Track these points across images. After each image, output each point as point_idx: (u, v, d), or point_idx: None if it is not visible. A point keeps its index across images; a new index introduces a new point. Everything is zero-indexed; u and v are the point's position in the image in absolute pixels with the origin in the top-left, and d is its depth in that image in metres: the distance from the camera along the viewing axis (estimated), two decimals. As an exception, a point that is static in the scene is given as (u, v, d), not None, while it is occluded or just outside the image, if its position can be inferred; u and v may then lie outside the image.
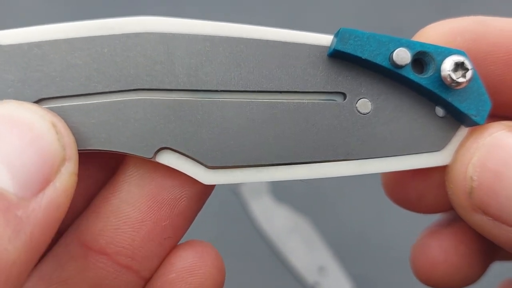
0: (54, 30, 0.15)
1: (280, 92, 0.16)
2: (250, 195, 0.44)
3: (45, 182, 0.13)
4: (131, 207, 0.16)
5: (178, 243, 0.17)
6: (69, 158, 0.13)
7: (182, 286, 0.16)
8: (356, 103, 0.16)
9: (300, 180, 0.17)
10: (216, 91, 0.16)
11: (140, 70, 0.15)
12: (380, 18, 0.47)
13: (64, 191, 0.13)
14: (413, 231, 0.43)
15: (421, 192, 0.19)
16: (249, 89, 0.16)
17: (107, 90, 0.15)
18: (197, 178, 0.15)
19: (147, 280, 0.17)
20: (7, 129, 0.12)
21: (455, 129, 0.17)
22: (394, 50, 0.16)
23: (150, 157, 0.15)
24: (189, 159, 0.15)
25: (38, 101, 0.15)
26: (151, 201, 0.16)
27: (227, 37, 0.16)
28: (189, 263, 0.16)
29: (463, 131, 0.17)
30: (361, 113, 0.16)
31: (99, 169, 0.17)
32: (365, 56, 0.16)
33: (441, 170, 0.17)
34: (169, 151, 0.15)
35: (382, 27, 0.47)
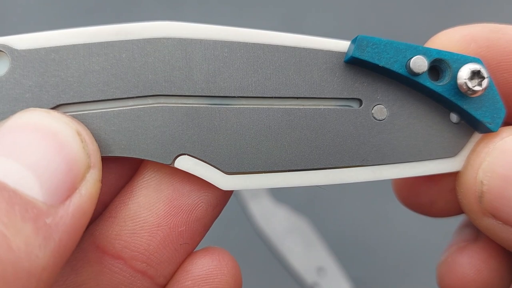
0: (71, 35, 0.15)
1: (297, 98, 0.16)
2: (249, 196, 0.44)
3: (72, 189, 0.13)
4: (148, 212, 0.16)
5: (195, 250, 0.17)
6: (93, 166, 0.14)
7: None
8: (372, 109, 0.17)
9: (318, 186, 0.17)
10: (234, 97, 0.16)
11: (158, 76, 0.15)
12: (386, 21, 0.47)
13: (90, 198, 0.13)
14: (412, 232, 0.44)
15: (433, 197, 0.19)
16: (266, 95, 0.16)
17: (125, 96, 0.15)
18: (214, 184, 0.16)
19: (162, 287, 0.17)
20: (34, 138, 0.13)
21: (469, 135, 0.17)
22: (411, 58, 0.16)
23: (169, 163, 0.15)
24: (207, 164, 0.15)
25: (56, 107, 0.15)
26: (168, 206, 0.16)
27: (245, 42, 0.16)
28: (205, 271, 0.16)
29: (477, 137, 0.17)
30: (376, 119, 0.17)
31: (116, 173, 0.17)
32: (382, 63, 0.16)
33: (453, 175, 0.17)
34: (187, 157, 0.15)
35: (385, 30, 0.47)
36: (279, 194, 0.44)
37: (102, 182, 0.17)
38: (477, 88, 0.16)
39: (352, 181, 0.16)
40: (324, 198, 0.44)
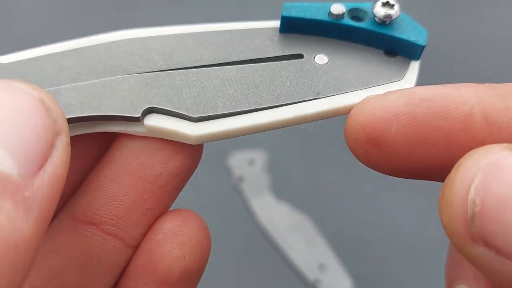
0: (48, 49, 0.18)
1: (246, 61, 0.18)
2: (251, 193, 0.45)
3: (44, 158, 0.13)
4: (114, 183, 0.17)
5: (168, 211, 0.18)
6: (61, 131, 0.14)
7: (169, 245, 0.17)
8: (314, 58, 0.18)
9: (306, 128, 0.18)
10: (190, 67, 0.18)
11: (122, 62, 0.18)
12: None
13: (62, 163, 0.13)
14: (413, 229, 0.43)
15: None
16: (218, 62, 0.18)
17: (95, 79, 0.17)
18: (184, 131, 0.17)
19: (134, 247, 0.18)
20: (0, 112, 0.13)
21: (407, 64, 0.18)
22: (330, 7, 0.18)
23: (138, 115, 0.17)
24: (174, 118, 0.17)
25: None
26: (133, 178, 0.17)
27: (192, 32, 0.19)
28: (173, 225, 0.18)
29: (415, 63, 0.18)
30: (320, 64, 0.18)
31: (86, 155, 0.19)
32: (308, 16, 0.18)
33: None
34: (155, 114, 0.17)
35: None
36: (280, 192, 0.45)
37: (78, 163, 0.18)
38: (391, 11, 0.17)
39: (310, 112, 0.17)
40: (325, 196, 0.44)
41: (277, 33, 0.19)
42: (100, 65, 0.17)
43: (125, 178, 0.17)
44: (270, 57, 0.18)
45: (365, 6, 0.18)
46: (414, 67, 0.18)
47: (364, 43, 0.18)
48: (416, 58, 0.18)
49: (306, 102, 0.17)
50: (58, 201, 0.13)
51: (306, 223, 0.43)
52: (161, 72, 0.18)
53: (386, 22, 0.18)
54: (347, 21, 0.18)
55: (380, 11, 0.17)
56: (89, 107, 0.16)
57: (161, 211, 0.18)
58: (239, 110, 0.17)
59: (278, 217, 0.43)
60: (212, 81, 0.17)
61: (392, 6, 0.17)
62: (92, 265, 0.17)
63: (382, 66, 0.18)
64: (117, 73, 0.17)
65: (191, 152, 0.18)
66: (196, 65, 0.18)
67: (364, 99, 0.16)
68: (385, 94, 0.16)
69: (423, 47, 0.18)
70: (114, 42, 0.18)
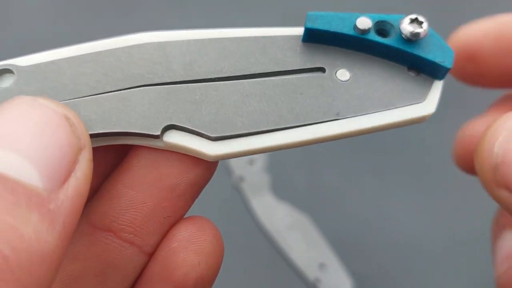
0: (66, 52, 0.17)
1: (266, 73, 0.18)
2: (251, 193, 0.45)
3: (68, 173, 0.13)
4: (133, 191, 0.18)
5: (182, 219, 0.19)
6: (84, 147, 0.14)
7: (184, 253, 0.18)
8: (336, 73, 0.18)
9: (320, 150, 0.18)
10: (210, 79, 0.18)
11: (142, 71, 0.17)
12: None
13: (85, 178, 0.14)
14: (413, 229, 0.43)
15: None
16: (239, 74, 0.18)
17: (114, 89, 0.17)
18: (202, 150, 0.17)
19: (150, 254, 0.18)
20: (26, 126, 0.13)
21: (430, 83, 0.18)
22: (356, 20, 0.18)
23: (158, 133, 0.17)
24: (193, 135, 0.17)
25: None
26: (152, 187, 0.18)
27: (213, 38, 0.18)
28: (188, 233, 0.18)
29: (438, 83, 0.18)
30: (341, 81, 0.18)
31: (106, 162, 0.19)
32: (333, 29, 0.18)
33: None
34: (174, 131, 0.17)
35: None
36: (281, 191, 0.45)
37: (96, 171, 0.18)
38: (419, 29, 0.17)
39: (329, 134, 0.17)
40: (325, 195, 0.45)
41: (300, 42, 0.18)
42: (119, 73, 0.17)
43: (143, 187, 0.17)
44: (291, 70, 0.18)
45: (392, 19, 0.18)
46: (437, 87, 0.18)
47: (388, 58, 0.18)
48: (440, 78, 0.18)
49: (325, 123, 0.17)
50: (80, 214, 0.14)
51: (306, 222, 0.43)
52: (182, 84, 0.17)
53: (412, 40, 0.17)
54: (373, 36, 0.18)
55: (407, 28, 0.17)
56: (109, 122, 0.16)
57: (177, 219, 0.18)
58: (257, 130, 0.17)
59: (278, 217, 0.43)
60: (231, 97, 0.17)
61: (420, 23, 0.17)
62: (109, 272, 0.18)
63: (405, 84, 0.18)
64: (137, 83, 0.17)
65: (210, 164, 0.18)
66: (216, 76, 0.18)
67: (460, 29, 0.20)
68: (473, 22, 0.20)
69: (448, 69, 0.18)
70: (132, 46, 0.18)
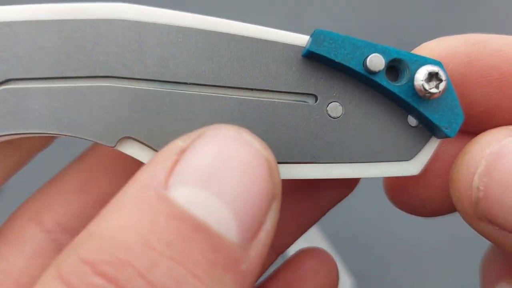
0: (25, 11, 0.15)
1: (251, 89, 0.16)
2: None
3: (260, 225, 0.12)
4: None
5: (305, 248, 0.20)
6: (277, 195, 0.12)
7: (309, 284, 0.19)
8: (327, 106, 0.16)
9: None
10: (185, 83, 0.15)
11: (110, 57, 0.15)
12: (387, 20, 0.46)
13: (272, 231, 0.12)
14: (413, 228, 0.43)
15: (424, 197, 0.19)
16: (219, 84, 0.16)
17: (75, 75, 0.15)
18: None
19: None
20: (231, 167, 0.12)
21: (426, 139, 0.17)
22: (368, 55, 0.15)
23: (113, 145, 0.15)
24: (151, 150, 0.15)
25: (5, 81, 0.14)
26: None
27: (201, 29, 0.15)
28: (313, 265, 0.19)
29: (434, 142, 0.17)
30: (331, 117, 0.16)
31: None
32: (338, 59, 0.16)
33: (444, 175, 0.17)
34: (132, 140, 0.15)
35: (386, 29, 0.46)
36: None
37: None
38: (433, 90, 0.15)
39: (301, 177, 0.16)
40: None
41: (299, 56, 0.16)
42: (83, 56, 0.15)
43: None
44: (280, 91, 0.16)
45: (410, 59, 0.16)
46: (432, 146, 0.17)
47: (391, 100, 0.16)
48: (438, 137, 0.17)
49: (297, 164, 0.16)
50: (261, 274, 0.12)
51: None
52: (150, 88, 0.15)
53: (425, 97, 0.16)
54: (381, 79, 0.16)
55: (422, 84, 0.15)
56: (61, 123, 0.15)
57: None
58: None
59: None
60: (204, 115, 0.15)
61: (439, 81, 0.15)
62: None
63: (399, 136, 0.16)
64: (101, 72, 0.15)
65: None
66: (193, 81, 0.15)
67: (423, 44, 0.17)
68: (442, 38, 0.17)
69: (449, 136, 0.16)
70: (104, 21, 0.15)
